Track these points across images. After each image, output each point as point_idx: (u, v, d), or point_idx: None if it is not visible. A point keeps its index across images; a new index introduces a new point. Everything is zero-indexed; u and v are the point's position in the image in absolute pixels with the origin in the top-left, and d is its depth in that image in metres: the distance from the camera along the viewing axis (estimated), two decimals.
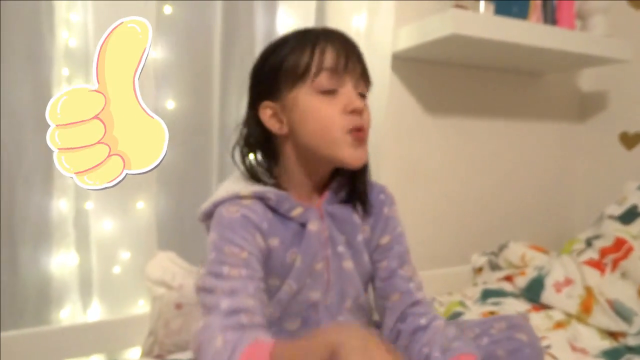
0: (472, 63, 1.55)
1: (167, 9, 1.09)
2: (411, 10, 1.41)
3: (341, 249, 0.76)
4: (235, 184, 0.73)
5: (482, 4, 1.30)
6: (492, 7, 1.31)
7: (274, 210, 0.72)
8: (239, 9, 1.18)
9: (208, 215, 0.72)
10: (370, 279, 0.82)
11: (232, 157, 0.76)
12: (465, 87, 1.59)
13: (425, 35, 1.26)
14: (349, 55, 0.69)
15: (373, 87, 1.27)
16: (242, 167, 0.75)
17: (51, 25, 0.99)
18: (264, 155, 0.76)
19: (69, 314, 1.07)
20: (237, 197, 0.71)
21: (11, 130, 0.99)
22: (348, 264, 0.77)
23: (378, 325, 0.83)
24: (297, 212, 0.72)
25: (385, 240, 0.80)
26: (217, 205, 0.71)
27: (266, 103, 0.72)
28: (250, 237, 0.68)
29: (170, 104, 1.12)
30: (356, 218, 0.78)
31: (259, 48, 1.20)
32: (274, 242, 0.71)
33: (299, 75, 0.69)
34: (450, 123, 1.58)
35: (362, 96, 0.72)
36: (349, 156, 0.69)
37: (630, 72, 1.66)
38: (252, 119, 0.75)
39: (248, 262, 0.65)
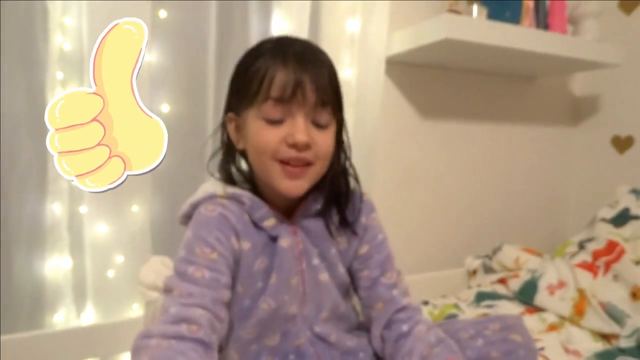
0: (466, 67, 1.57)
1: (162, 13, 1.10)
2: (405, 15, 1.42)
3: (316, 261, 0.75)
4: (213, 185, 0.74)
5: (475, 9, 1.31)
6: (485, 11, 1.32)
7: (248, 214, 0.72)
8: (233, 12, 1.18)
9: (187, 217, 0.73)
10: (348, 288, 0.82)
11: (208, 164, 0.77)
12: (458, 91, 1.60)
13: (418, 39, 1.27)
14: (300, 83, 0.64)
15: (366, 91, 1.30)
16: (217, 172, 0.76)
17: (45, 29, 0.99)
18: (244, 161, 0.77)
19: (63, 318, 1.06)
20: (214, 197, 0.71)
21: (5, 133, 0.98)
22: (324, 276, 0.76)
23: (365, 329, 0.83)
24: (269, 223, 0.72)
25: (364, 249, 0.79)
26: (194, 206, 0.72)
27: (231, 115, 0.73)
28: (224, 239, 0.67)
29: (165, 108, 1.12)
30: (330, 231, 0.77)
31: None
32: (246, 245, 0.70)
33: (250, 98, 0.67)
34: (444, 127, 1.59)
35: (319, 126, 0.68)
36: (281, 186, 0.68)
37: (622, 76, 1.67)
38: (224, 127, 0.75)
39: (215, 265, 0.65)
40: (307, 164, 0.67)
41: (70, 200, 1.05)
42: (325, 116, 0.68)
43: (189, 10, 1.13)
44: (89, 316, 1.07)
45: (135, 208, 1.07)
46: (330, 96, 0.68)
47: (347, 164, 0.78)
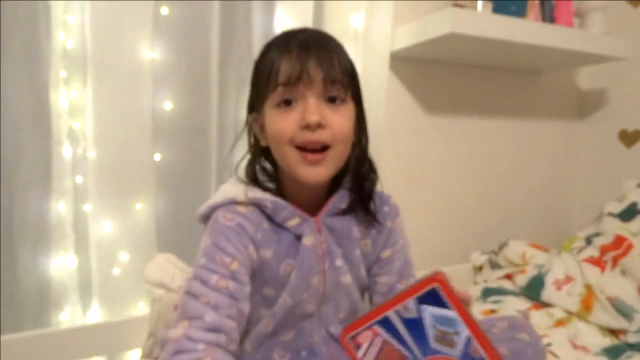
0: (471, 62, 1.55)
1: (164, 10, 1.09)
2: (409, 9, 1.40)
3: (339, 262, 0.74)
4: (234, 187, 0.72)
5: (480, 3, 1.30)
6: (490, 5, 1.31)
7: (270, 218, 0.71)
8: (236, 9, 1.17)
9: (205, 218, 0.72)
10: (365, 289, 0.82)
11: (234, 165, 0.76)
12: (463, 85, 1.59)
13: (423, 34, 1.26)
14: (304, 64, 0.64)
15: (371, 87, 1.29)
16: (243, 171, 0.75)
17: (48, 27, 0.99)
18: (268, 162, 0.76)
19: (69, 316, 1.07)
20: (234, 203, 0.70)
21: (9, 132, 0.98)
22: (346, 279, 0.76)
23: None
24: (293, 222, 0.71)
25: (386, 254, 0.79)
26: (214, 208, 0.71)
27: (254, 115, 0.73)
28: (243, 248, 0.67)
29: (168, 105, 1.12)
30: (355, 232, 0.76)
31: (256, 48, 1.20)
32: (267, 253, 0.70)
33: (264, 91, 0.68)
34: (449, 122, 1.58)
35: (333, 100, 0.67)
36: (302, 174, 0.67)
37: (629, 69, 1.66)
38: (250, 127, 0.75)
39: (237, 275, 0.65)
40: (325, 147, 0.66)
41: (75, 199, 1.06)
42: (338, 93, 0.67)
43: (191, 6, 1.12)
44: (95, 314, 1.08)
45: (139, 206, 1.07)
46: (338, 74, 0.66)
47: (370, 161, 0.76)
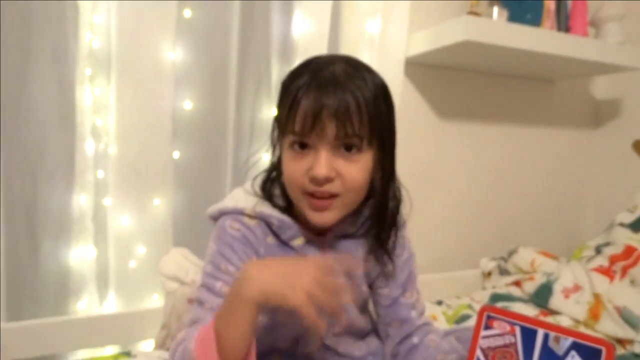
0: (486, 69, 1.56)
1: (187, 13, 1.13)
2: (425, 16, 1.42)
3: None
4: (245, 197, 0.72)
5: (495, 11, 1.31)
6: (505, 14, 1.32)
7: (276, 234, 0.71)
8: (255, 12, 1.21)
9: (214, 219, 0.74)
10: (367, 300, 0.82)
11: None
12: (478, 92, 1.60)
13: (438, 40, 1.28)
14: (318, 116, 0.60)
15: None
16: (257, 183, 0.74)
17: (76, 27, 1.03)
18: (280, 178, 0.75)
19: (86, 305, 1.10)
20: (242, 213, 0.70)
21: (35, 127, 1.03)
22: (345, 297, 0.74)
23: (376, 331, 0.84)
24: (297, 242, 0.71)
25: (389, 268, 0.78)
26: (222, 213, 0.72)
27: (279, 136, 0.70)
28: (247, 258, 0.69)
29: (188, 104, 1.15)
30: (360, 252, 0.75)
31: (274, 50, 1.23)
32: None
33: (282, 125, 0.66)
34: (463, 128, 1.59)
35: (349, 148, 0.63)
36: (310, 218, 0.66)
37: None
38: (274, 146, 0.73)
39: None
40: (333, 195, 0.64)
41: (95, 193, 1.09)
42: (354, 142, 0.63)
43: (212, 9, 1.16)
44: (111, 304, 1.11)
45: (157, 201, 1.11)
46: (355, 126, 0.61)
47: (394, 192, 0.74)
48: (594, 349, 0.50)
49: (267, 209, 0.70)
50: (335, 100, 0.60)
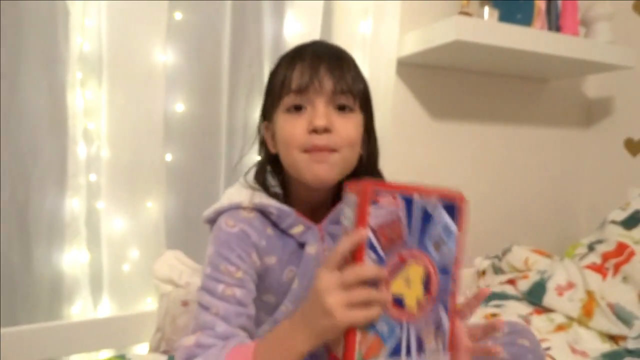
0: (477, 69, 1.57)
1: (178, 15, 1.13)
2: (416, 16, 1.43)
3: None
4: (239, 192, 0.72)
5: (486, 11, 1.32)
6: (496, 13, 1.33)
7: (274, 224, 0.71)
8: (247, 14, 1.21)
9: (211, 222, 0.73)
10: None
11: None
12: (469, 92, 1.60)
13: (430, 41, 1.29)
14: (316, 71, 0.66)
15: (377, 92, 1.31)
16: (251, 176, 0.75)
17: (66, 31, 1.03)
18: (274, 169, 0.76)
19: (80, 309, 1.10)
20: (238, 208, 0.70)
21: (27, 130, 1.02)
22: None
23: None
24: (297, 230, 0.71)
25: None
26: (219, 213, 0.71)
27: (265, 124, 0.74)
28: (246, 256, 0.68)
29: (180, 107, 1.15)
30: None
31: (266, 52, 1.23)
32: (271, 260, 0.71)
33: (276, 97, 0.69)
34: (455, 128, 1.60)
35: (342, 108, 0.68)
36: (310, 174, 0.67)
37: (635, 78, 1.67)
38: (262, 139, 0.76)
39: (242, 282, 0.66)
40: (331, 150, 0.66)
41: (88, 196, 1.09)
42: (347, 101, 0.68)
43: (204, 11, 1.16)
44: (105, 308, 1.11)
45: (150, 204, 1.11)
46: (349, 84, 0.67)
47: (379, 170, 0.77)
48: (455, 204, 0.56)
49: (264, 200, 0.71)
50: (330, 59, 0.67)
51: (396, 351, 0.54)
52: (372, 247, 0.52)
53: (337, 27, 1.31)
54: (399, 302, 0.54)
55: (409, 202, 0.53)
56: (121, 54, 1.04)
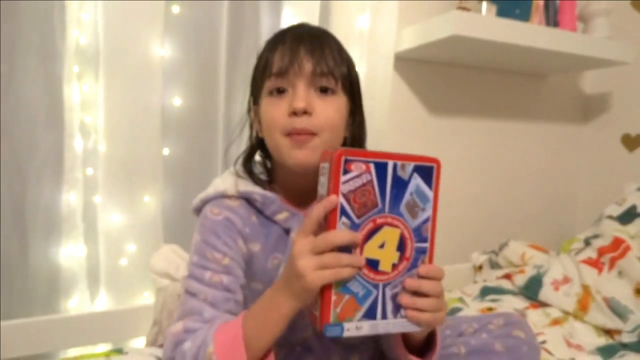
0: (475, 64, 1.57)
1: (175, 9, 1.12)
2: (414, 11, 1.43)
3: None
4: (225, 181, 0.73)
5: (484, 6, 1.31)
6: (494, 8, 1.33)
7: (259, 211, 0.71)
8: (244, 8, 1.21)
9: (198, 211, 0.74)
10: None
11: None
12: (467, 88, 1.61)
13: (427, 36, 1.28)
14: (296, 54, 0.66)
15: (375, 87, 1.31)
16: (238, 164, 0.76)
17: (63, 24, 1.02)
18: (263, 155, 0.77)
19: (77, 303, 1.10)
20: (223, 196, 0.71)
21: (23, 124, 1.02)
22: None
23: None
24: (281, 216, 0.71)
25: None
26: (205, 202, 0.72)
27: (254, 107, 0.74)
28: (233, 243, 0.68)
29: (177, 101, 1.15)
30: None
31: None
32: (255, 247, 0.71)
33: (260, 81, 0.70)
34: (452, 123, 1.60)
35: (324, 90, 0.67)
36: (291, 158, 0.66)
37: (633, 74, 1.67)
38: (251, 124, 0.77)
39: (229, 269, 0.66)
40: (311, 133, 0.66)
41: (85, 190, 1.09)
42: (328, 83, 0.67)
43: (201, 6, 1.15)
44: (102, 302, 1.11)
45: (147, 198, 1.10)
46: (329, 65, 0.67)
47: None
48: (429, 167, 0.58)
49: (249, 187, 0.71)
50: (311, 41, 0.67)
51: (372, 312, 0.56)
52: (345, 213, 0.54)
53: (335, 22, 1.30)
54: (374, 265, 0.55)
55: (381, 168, 0.54)
56: (118, 47, 1.03)
